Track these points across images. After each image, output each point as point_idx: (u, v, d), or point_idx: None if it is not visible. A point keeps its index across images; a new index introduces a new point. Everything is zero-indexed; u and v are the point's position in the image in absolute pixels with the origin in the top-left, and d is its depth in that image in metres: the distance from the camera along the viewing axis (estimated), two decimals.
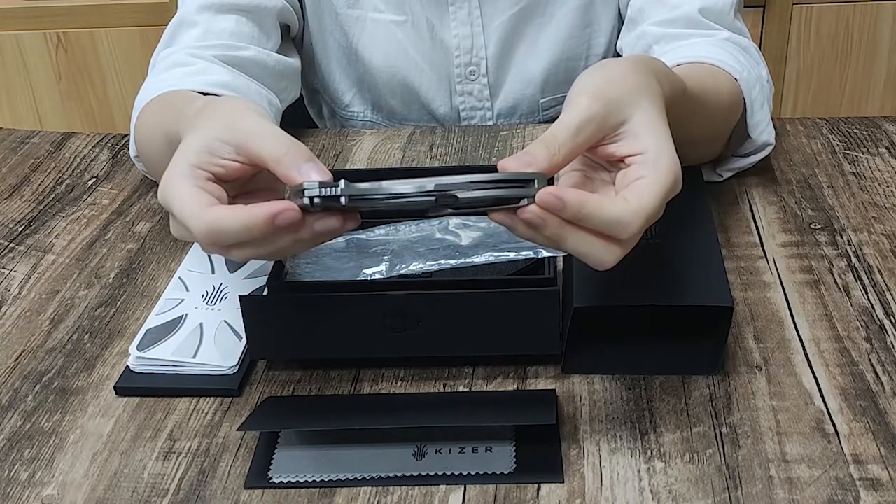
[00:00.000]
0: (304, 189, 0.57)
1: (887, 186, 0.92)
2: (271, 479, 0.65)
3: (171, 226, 0.63)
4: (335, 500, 0.63)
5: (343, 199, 0.57)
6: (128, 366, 0.74)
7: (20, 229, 0.94)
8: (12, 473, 0.67)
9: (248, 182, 0.64)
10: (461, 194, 0.56)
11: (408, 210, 0.58)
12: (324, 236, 0.60)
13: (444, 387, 0.72)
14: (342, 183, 0.57)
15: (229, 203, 0.61)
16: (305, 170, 0.59)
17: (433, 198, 0.56)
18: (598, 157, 0.63)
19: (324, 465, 0.65)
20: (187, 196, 0.59)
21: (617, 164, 0.62)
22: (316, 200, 0.57)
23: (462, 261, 0.74)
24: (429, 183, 0.56)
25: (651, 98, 0.62)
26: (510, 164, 0.58)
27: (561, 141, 0.58)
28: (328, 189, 0.57)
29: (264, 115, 0.64)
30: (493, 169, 0.58)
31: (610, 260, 0.59)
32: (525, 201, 0.57)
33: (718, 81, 0.86)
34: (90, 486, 0.65)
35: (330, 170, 0.60)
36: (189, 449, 0.68)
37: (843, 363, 0.71)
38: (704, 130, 0.84)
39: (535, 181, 0.57)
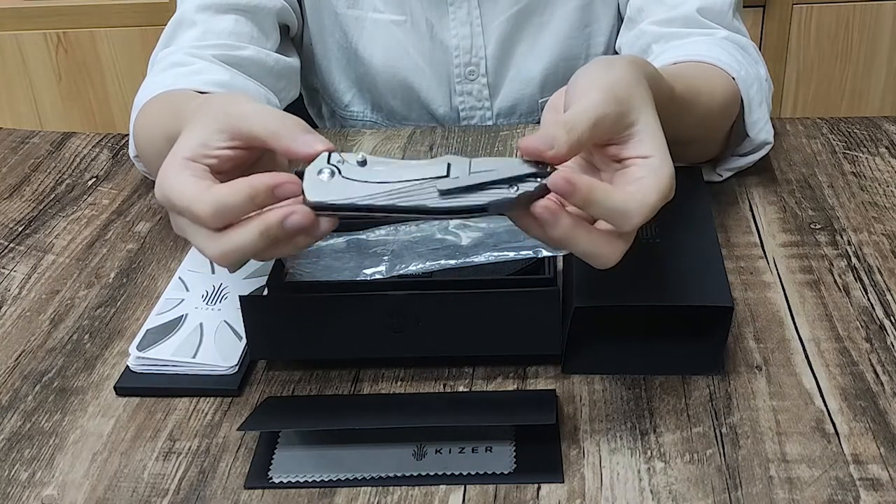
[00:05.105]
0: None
1: (887, 186, 0.92)
2: (271, 479, 0.65)
3: (172, 223, 0.63)
4: (335, 500, 0.63)
5: (361, 156, 0.58)
6: (128, 366, 0.74)
7: (20, 229, 0.94)
8: (12, 473, 0.67)
9: (247, 171, 0.64)
10: (475, 167, 0.58)
11: (413, 200, 0.58)
12: (296, 238, 0.60)
13: (444, 387, 0.72)
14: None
15: None
16: (305, 141, 0.59)
17: (445, 163, 0.58)
18: (599, 155, 0.63)
19: (324, 465, 0.65)
20: (186, 185, 0.59)
21: (613, 163, 0.62)
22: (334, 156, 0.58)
23: (462, 261, 0.74)
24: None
25: (651, 103, 0.63)
26: (529, 143, 0.58)
27: (581, 130, 0.58)
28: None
29: (257, 100, 0.64)
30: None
31: (614, 257, 0.59)
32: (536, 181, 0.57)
33: (713, 82, 0.86)
34: (90, 486, 0.65)
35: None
36: (189, 449, 0.68)
37: (843, 363, 0.71)
38: (696, 132, 0.84)
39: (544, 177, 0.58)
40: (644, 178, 0.59)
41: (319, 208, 0.58)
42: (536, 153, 0.57)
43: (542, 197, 0.57)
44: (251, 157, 0.63)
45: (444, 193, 0.57)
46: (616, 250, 0.59)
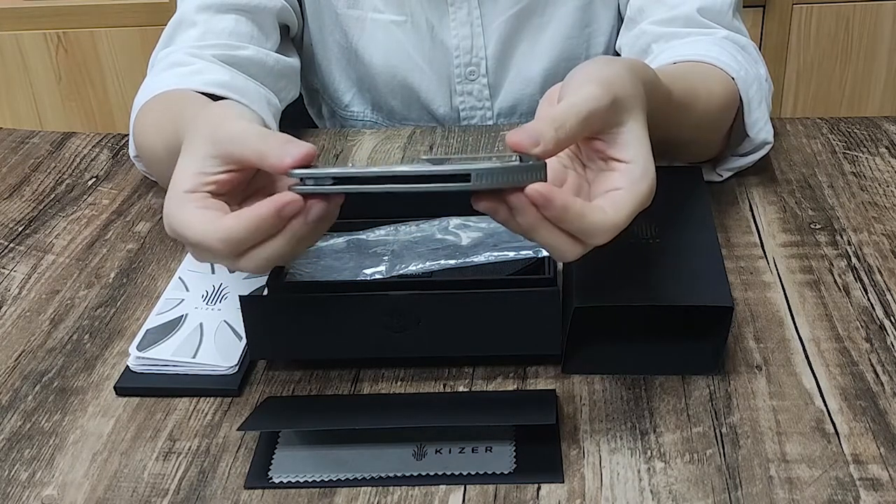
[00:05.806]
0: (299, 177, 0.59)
1: (887, 186, 0.92)
2: (271, 479, 0.65)
3: (191, 254, 0.64)
4: (335, 500, 0.63)
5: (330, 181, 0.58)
6: (128, 366, 0.74)
7: (20, 229, 0.95)
8: (12, 473, 0.67)
9: (248, 185, 0.64)
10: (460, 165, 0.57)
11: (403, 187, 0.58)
12: (319, 225, 0.60)
13: (444, 387, 0.72)
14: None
15: (234, 211, 0.62)
16: (290, 152, 0.59)
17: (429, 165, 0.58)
18: (586, 147, 0.63)
19: (324, 465, 0.65)
20: (194, 220, 0.60)
21: (599, 161, 0.62)
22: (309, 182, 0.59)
23: (462, 261, 0.74)
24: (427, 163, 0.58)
25: (642, 109, 0.63)
26: (515, 137, 0.58)
27: (569, 126, 0.58)
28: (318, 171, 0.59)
29: (246, 118, 0.64)
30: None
31: (573, 256, 0.60)
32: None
33: (711, 82, 0.86)
34: (90, 486, 0.65)
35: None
36: (189, 449, 0.68)
37: (843, 363, 0.71)
38: (694, 133, 0.84)
39: (538, 171, 0.57)
40: (620, 189, 0.59)
41: (306, 181, 0.58)
42: (521, 149, 0.57)
43: (523, 188, 0.57)
44: (247, 175, 0.63)
45: (431, 162, 0.58)
46: (576, 249, 0.59)
